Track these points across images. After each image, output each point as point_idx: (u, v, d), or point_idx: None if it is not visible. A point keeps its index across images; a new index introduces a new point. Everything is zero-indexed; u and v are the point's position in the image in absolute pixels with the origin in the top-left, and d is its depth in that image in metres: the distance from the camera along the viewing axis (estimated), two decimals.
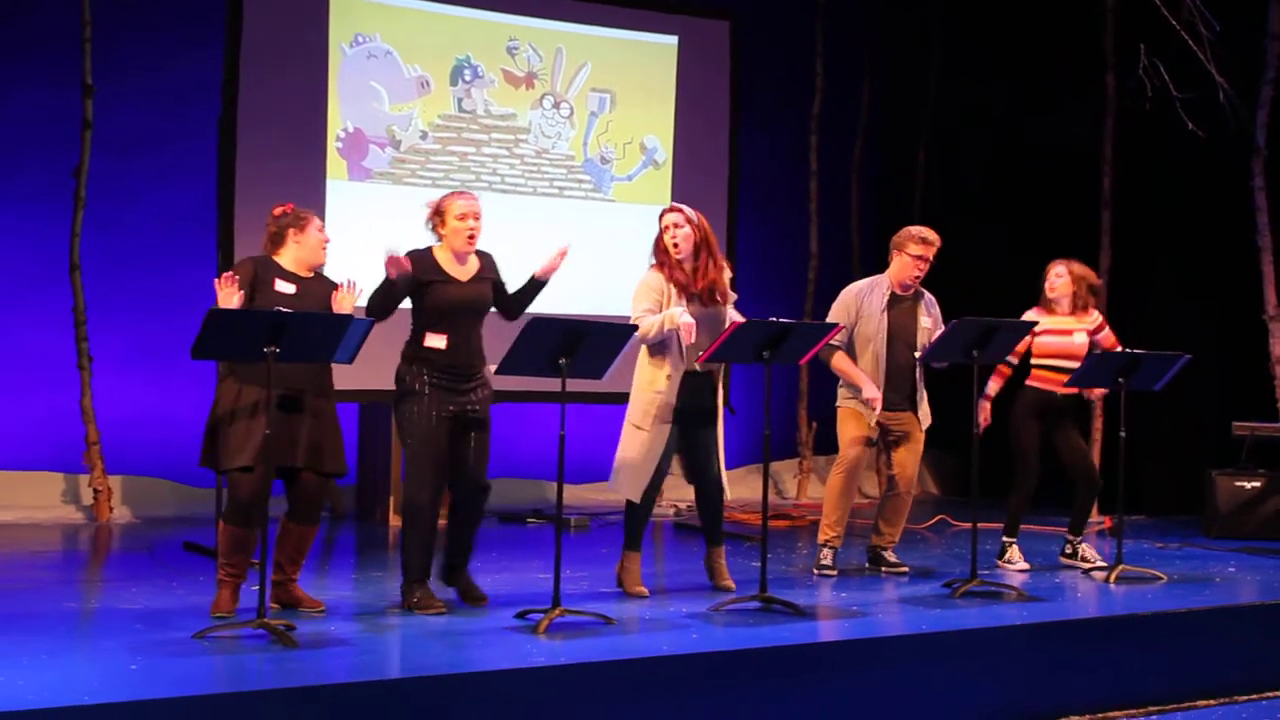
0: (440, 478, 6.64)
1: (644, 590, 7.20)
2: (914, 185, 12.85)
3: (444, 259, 6.72)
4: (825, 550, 7.98)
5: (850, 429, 7.94)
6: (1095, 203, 11.36)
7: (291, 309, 6.16)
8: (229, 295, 6.19)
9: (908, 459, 8.02)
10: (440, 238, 6.75)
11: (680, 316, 6.95)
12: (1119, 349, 8.30)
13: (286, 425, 6.31)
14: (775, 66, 12.53)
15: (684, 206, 7.25)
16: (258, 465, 6.23)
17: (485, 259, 6.86)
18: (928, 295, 8.13)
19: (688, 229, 7.15)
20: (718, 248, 7.31)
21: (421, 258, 6.69)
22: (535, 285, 6.94)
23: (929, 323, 8.04)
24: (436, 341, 6.63)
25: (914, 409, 8.00)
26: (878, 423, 7.87)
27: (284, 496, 6.54)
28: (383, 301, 6.65)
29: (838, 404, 8.01)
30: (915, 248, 7.94)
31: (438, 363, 6.61)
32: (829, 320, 7.94)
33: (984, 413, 8.30)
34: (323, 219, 9.08)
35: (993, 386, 8.41)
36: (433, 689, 5.31)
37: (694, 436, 7.22)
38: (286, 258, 6.56)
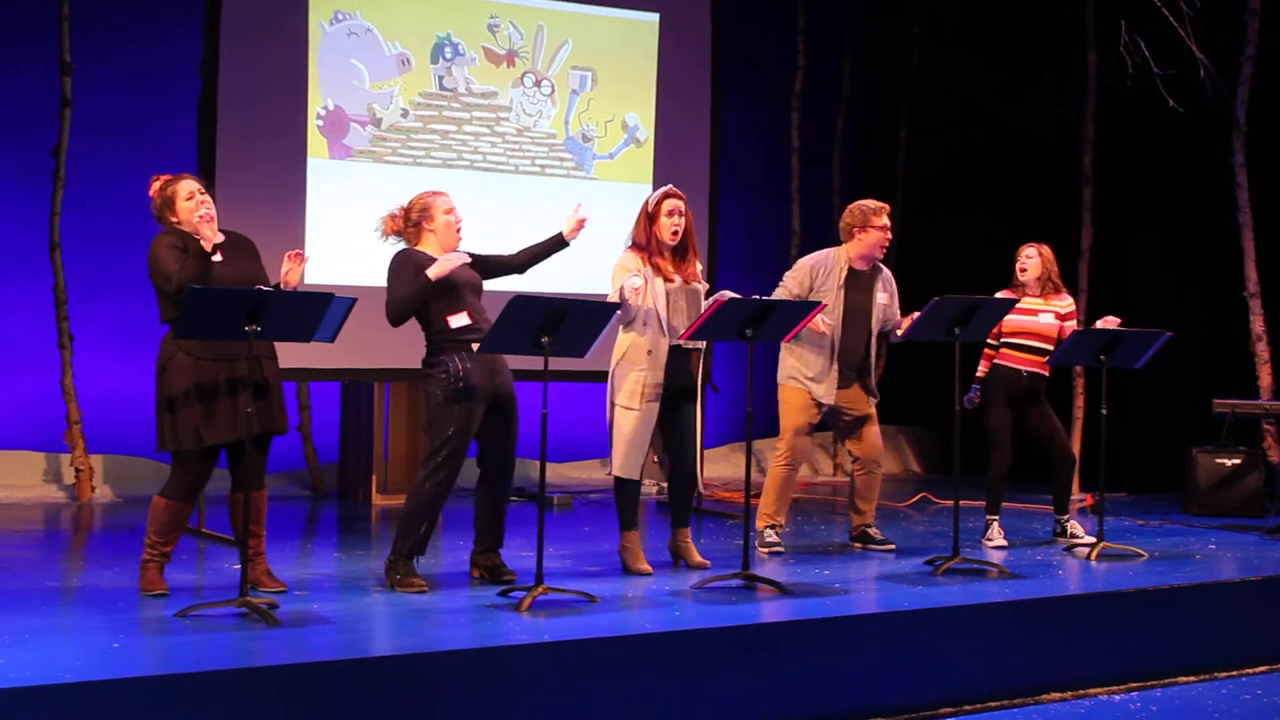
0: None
1: (648, 567, 7.18)
2: (895, 162, 12.86)
3: (425, 252, 6.78)
4: (769, 531, 7.97)
5: (793, 416, 7.89)
6: (1076, 180, 11.38)
7: (225, 277, 6.20)
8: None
9: (868, 435, 8.03)
10: (426, 233, 6.81)
11: (629, 280, 7.00)
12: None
13: (236, 402, 6.27)
14: (757, 44, 12.52)
15: (682, 194, 7.27)
16: (218, 443, 6.25)
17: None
18: (885, 271, 8.10)
19: (683, 219, 7.19)
20: (695, 237, 7.35)
21: (422, 258, 6.72)
22: (557, 243, 7.03)
23: (885, 299, 8.02)
24: (459, 320, 6.71)
25: (862, 382, 7.98)
26: (833, 406, 7.87)
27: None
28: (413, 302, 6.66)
29: (780, 381, 7.98)
30: (880, 219, 7.95)
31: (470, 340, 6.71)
32: (781, 283, 7.97)
33: (976, 395, 8.45)
34: (304, 197, 9.20)
35: (982, 369, 8.50)
36: (416, 667, 5.30)
37: (674, 415, 7.23)
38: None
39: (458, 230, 6.82)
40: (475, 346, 6.57)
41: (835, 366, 7.83)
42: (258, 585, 6.51)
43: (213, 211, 6.38)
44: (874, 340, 7.96)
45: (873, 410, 8.02)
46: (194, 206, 6.39)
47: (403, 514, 6.70)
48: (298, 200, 9.25)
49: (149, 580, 6.36)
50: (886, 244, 7.97)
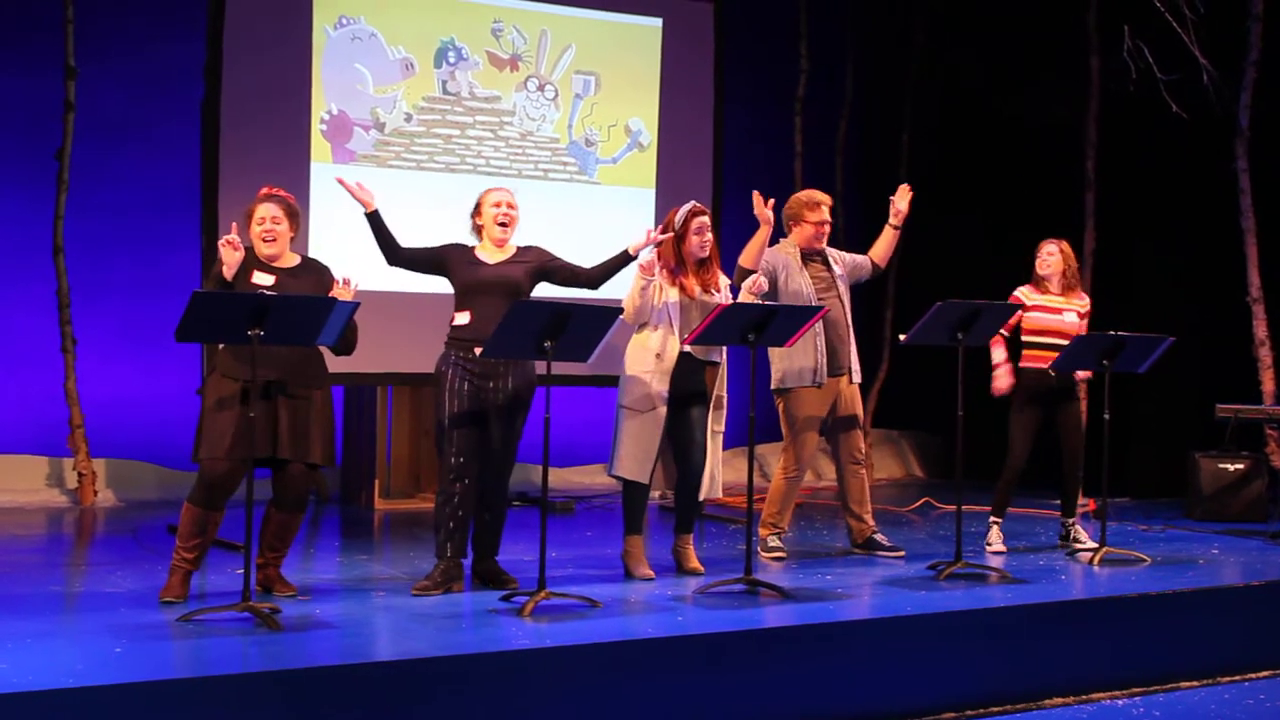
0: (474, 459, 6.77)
1: (649, 572, 7.18)
2: (898, 166, 12.84)
3: (480, 248, 6.85)
4: (772, 537, 7.97)
5: (796, 420, 7.87)
6: (1079, 184, 11.38)
7: None
8: (232, 254, 6.21)
9: (852, 429, 8.02)
10: (480, 227, 6.90)
11: (645, 255, 7.02)
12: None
13: (263, 416, 6.29)
14: (759, 48, 12.51)
15: (705, 209, 7.31)
16: (228, 456, 6.25)
17: (525, 250, 6.93)
18: (828, 250, 8.10)
19: (711, 234, 7.23)
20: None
21: (460, 248, 6.87)
22: (624, 259, 6.96)
23: (840, 267, 8.07)
24: (460, 319, 6.74)
25: (850, 372, 7.99)
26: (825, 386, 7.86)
27: (269, 482, 6.53)
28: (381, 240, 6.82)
29: (775, 387, 7.94)
30: (813, 214, 7.96)
31: (464, 341, 6.71)
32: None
33: (1005, 377, 8.32)
34: (307, 202, 9.21)
35: (1000, 354, 8.37)
36: (418, 672, 5.30)
37: (682, 421, 7.22)
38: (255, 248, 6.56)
39: (497, 222, 6.83)
40: (478, 350, 6.57)
41: (823, 342, 7.81)
42: (270, 589, 6.53)
43: (269, 239, 6.48)
44: (849, 311, 7.99)
45: (857, 397, 8.02)
46: (260, 234, 6.48)
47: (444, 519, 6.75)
48: (301, 204, 9.21)
49: (168, 585, 6.37)
50: (824, 235, 7.99)
